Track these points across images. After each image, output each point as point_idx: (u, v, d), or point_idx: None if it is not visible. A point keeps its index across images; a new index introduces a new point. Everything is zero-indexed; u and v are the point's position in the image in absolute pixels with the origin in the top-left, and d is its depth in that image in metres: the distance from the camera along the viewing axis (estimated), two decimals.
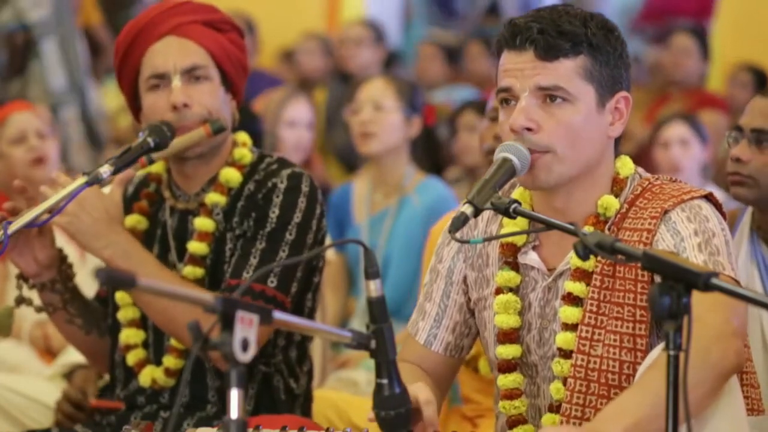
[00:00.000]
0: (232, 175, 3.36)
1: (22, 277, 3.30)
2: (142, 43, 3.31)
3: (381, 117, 5.26)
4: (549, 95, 2.73)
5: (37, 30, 7.42)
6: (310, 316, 3.41)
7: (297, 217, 3.30)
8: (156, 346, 3.41)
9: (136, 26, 3.33)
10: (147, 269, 3.16)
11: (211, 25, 3.36)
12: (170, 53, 3.29)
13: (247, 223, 3.31)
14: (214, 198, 3.35)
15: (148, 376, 3.38)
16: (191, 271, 3.33)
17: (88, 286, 3.93)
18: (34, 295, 3.32)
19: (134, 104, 3.38)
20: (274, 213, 3.30)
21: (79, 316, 3.40)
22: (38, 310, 3.35)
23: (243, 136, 3.44)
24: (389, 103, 5.27)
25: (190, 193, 3.40)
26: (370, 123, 5.26)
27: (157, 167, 3.43)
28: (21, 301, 3.27)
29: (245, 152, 3.40)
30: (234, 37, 3.39)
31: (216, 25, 3.37)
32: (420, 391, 2.63)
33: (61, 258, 3.33)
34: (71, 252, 3.38)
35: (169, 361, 3.35)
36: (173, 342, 3.33)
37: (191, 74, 3.29)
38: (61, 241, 3.31)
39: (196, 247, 3.33)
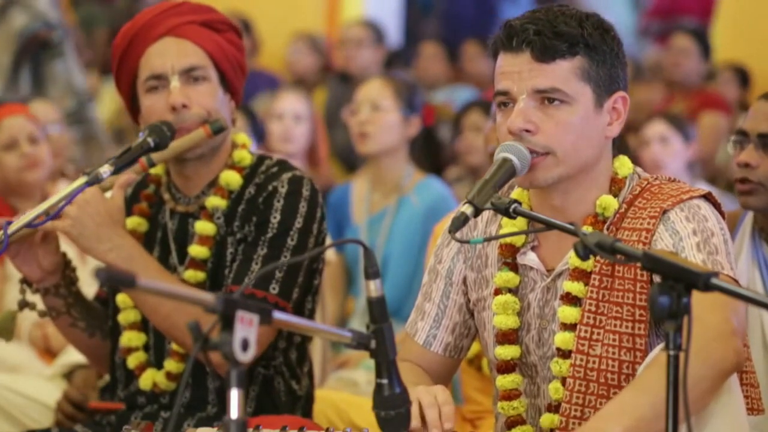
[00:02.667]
0: (232, 178, 3.35)
1: (26, 282, 3.29)
2: (139, 46, 3.29)
3: (378, 117, 5.26)
4: (547, 97, 2.73)
5: (58, 30, 7.42)
6: (310, 317, 3.40)
7: (298, 223, 3.29)
8: (157, 350, 3.40)
9: (132, 28, 3.31)
10: (150, 273, 3.15)
11: (209, 25, 3.34)
12: (168, 54, 3.28)
13: (248, 228, 3.30)
14: (214, 201, 3.34)
15: (149, 379, 3.37)
16: (192, 274, 3.32)
17: (87, 286, 3.92)
18: (37, 300, 3.32)
19: (132, 107, 3.37)
20: (276, 218, 3.29)
21: (83, 320, 3.40)
22: (42, 314, 3.34)
23: (242, 138, 3.43)
24: (387, 103, 5.27)
25: (190, 196, 3.39)
26: (367, 123, 5.26)
27: (156, 169, 3.41)
28: (24, 305, 3.26)
29: (245, 154, 3.39)
30: (232, 37, 3.38)
31: (213, 26, 3.35)
32: (438, 392, 2.67)
33: (65, 263, 3.32)
34: (71, 253, 3.37)
35: (171, 365, 3.34)
36: (174, 346, 3.32)
37: (189, 75, 3.28)
38: (62, 242, 3.31)
39: (197, 250, 3.33)
